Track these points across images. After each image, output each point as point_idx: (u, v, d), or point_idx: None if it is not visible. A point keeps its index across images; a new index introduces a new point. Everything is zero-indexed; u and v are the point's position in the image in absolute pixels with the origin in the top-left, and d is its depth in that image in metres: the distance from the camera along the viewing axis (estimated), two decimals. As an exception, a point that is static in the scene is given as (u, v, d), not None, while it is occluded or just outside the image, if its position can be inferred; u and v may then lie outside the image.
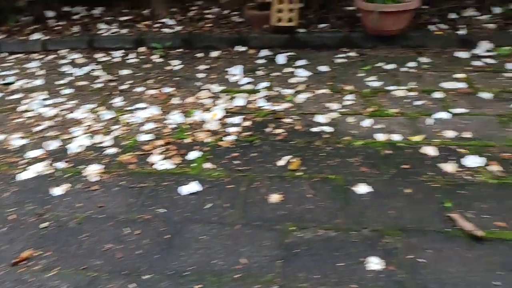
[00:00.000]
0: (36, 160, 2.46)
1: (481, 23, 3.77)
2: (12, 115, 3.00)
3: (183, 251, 1.80)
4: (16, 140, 2.66)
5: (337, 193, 2.07)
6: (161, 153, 2.44)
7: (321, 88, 3.09)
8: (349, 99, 2.92)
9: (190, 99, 3.05)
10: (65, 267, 1.76)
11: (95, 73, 3.58)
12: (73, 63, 3.80)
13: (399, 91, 2.97)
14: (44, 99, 3.19)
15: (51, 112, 2.99)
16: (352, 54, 3.61)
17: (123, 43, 4.02)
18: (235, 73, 3.39)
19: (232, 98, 3.01)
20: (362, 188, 2.08)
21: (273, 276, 1.66)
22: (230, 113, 2.83)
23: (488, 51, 3.45)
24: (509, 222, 1.83)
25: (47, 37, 4.20)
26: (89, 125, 2.79)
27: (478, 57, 3.38)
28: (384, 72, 3.27)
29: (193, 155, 2.42)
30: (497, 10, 3.93)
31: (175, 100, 3.05)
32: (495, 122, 2.54)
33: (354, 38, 3.74)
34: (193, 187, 2.16)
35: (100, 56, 3.91)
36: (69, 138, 2.65)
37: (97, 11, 4.72)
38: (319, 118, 2.70)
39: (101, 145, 2.57)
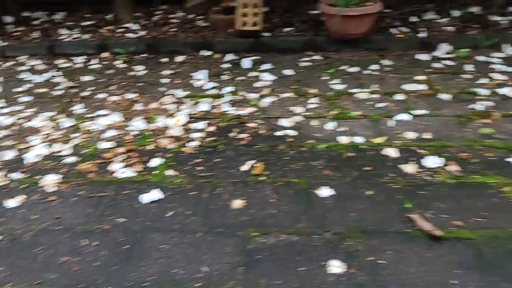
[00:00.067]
0: (-10, 171, 2.37)
1: (441, 26, 3.86)
2: (-34, 125, 2.88)
3: (143, 261, 1.76)
4: (-30, 151, 2.56)
5: (300, 197, 2.07)
6: (122, 161, 2.39)
7: (285, 92, 3.09)
8: (313, 102, 2.93)
9: (153, 105, 3.00)
10: (18, 283, 1.69)
11: (56, 80, 3.48)
12: (32, 70, 3.69)
13: (362, 94, 3.00)
14: (1, 108, 3.07)
15: (7, 121, 2.89)
16: (316, 57, 3.64)
17: (85, 48, 3.93)
18: (200, 78, 3.36)
19: (196, 103, 2.98)
20: (325, 191, 2.09)
21: (234, 284, 1.64)
22: (194, 118, 2.80)
23: (447, 53, 3.53)
24: (466, 221, 1.87)
25: (5, 43, 4.06)
26: (47, 134, 2.70)
27: (438, 59, 3.46)
28: (347, 75, 3.31)
29: (155, 162, 2.37)
30: (456, 13, 4.04)
31: (138, 106, 2.99)
32: (453, 123, 2.60)
33: (318, 41, 3.77)
34: (155, 195, 2.12)
35: (61, 62, 3.80)
36: (26, 148, 2.56)
37: (58, 16, 4.59)
38: (283, 122, 2.70)
39: (59, 154, 2.49)
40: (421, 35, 3.71)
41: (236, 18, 3.77)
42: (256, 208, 2.01)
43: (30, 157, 2.45)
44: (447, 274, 1.63)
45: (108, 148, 2.51)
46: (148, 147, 2.51)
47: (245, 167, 2.29)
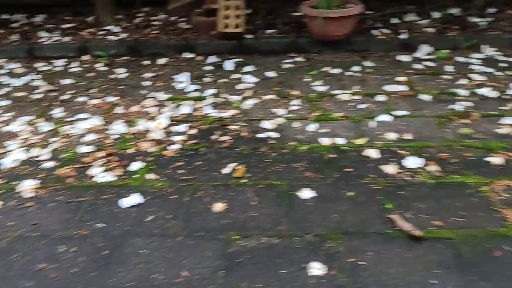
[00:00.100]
0: (-35, 177, 2.31)
1: (422, 28, 3.90)
2: None
3: (122, 267, 1.73)
4: None
5: (281, 199, 2.06)
6: (102, 165, 2.36)
7: (268, 94, 3.09)
8: (295, 104, 2.93)
9: (134, 108, 2.97)
10: (-7, 291, 1.65)
11: (35, 83, 3.42)
12: (11, 73, 3.62)
13: (344, 95, 3.01)
14: (-22, 112, 3.02)
15: (-16, 125, 2.83)
16: (299, 59, 3.64)
17: (66, 51, 3.88)
18: (182, 80, 3.34)
19: (178, 106, 2.96)
20: (306, 193, 2.08)
21: (215, 288, 1.63)
22: (175, 121, 2.78)
23: (428, 54, 3.57)
24: (445, 221, 1.88)
25: (-17, 47, 3.99)
26: (25, 138, 2.65)
27: (419, 60, 3.49)
28: (330, 76, 3.32)
29: (135, 166, 2.34)
30: (436, 14, 4.08)
31: (119, 110, 2.96)
32: (433, 123, 2.62)
33: (301, 43, 3.77)
34: (135, 199, 2.09)
35: (40, 65, 3.74)
36: (3, 153, 2.51)
37: (38, 18, 4.53)
38: (266, 124, 2.69)
39: (37, 159, 2.45)
40: (402, 36, 3.75)
41: (218, 20, 3.75)
42: (237, 211, 2.00)
43: (7, 162, 2.41)
44: (426, 274, 1.64)
45: (88, 152, 2.48)
46: (129, 151, 2.48)
47: (226, 170, 2.28)
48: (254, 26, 4.01)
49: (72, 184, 2.23)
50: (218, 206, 2.03)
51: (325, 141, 2.49)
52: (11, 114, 2.97)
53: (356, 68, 3.41)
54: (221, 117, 2.81)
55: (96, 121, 2.79)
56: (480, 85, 3.04)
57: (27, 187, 2.20)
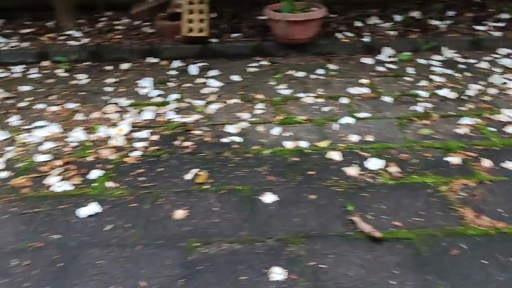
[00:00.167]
0: None
1: (384, 31, 3.97)
2: None
3: (78, 279, 1.67)
4: None
5: (244, 204, 2.04)
6: (59, 174, 2.28)
7: (232, 98, 3.07)
8: (259, 108, 2.92)
9: (95, 115, 2.90)
10: None
11: (-9, 91, 3.30)
12: (-34, 80, 3.49)
13: (308, 98, 3.02)
14: None
15: None
16: (264, 62, 3.64)
17: (24, 57, 3.76)
18: (145, 85, 3.29)
19: (140, 112, 2.90)
20: (268, 197, 2.07)
21: (174, 297, 1.59)
22: (137, 127, 2.72)
23: (390, 56, 3.63)
24: (405, 221, 1.90)
25: None
26: (-21, 148, 2.55)
27: (381, 63, 3.55)
28: (294, 79, 3.33)
29: (95, 174, 2.28)
30: (398, 18, 4.17)
31: (79, 116, 2.88)
32: (395, 125, 2.66)
33: (266, 46, 3.78)
34: (93, 208, 2.03)
35: (-3, 71, 3.62)
36: (-46, 164, 2.40)
37: (-5, 23, 4.39)
38: (229, 129, 2.67)
39: (-9, 169, 2.35)
40: (365, 39, 3.80)
41: (182, 24, 3.72)
42: (199, 218, 1.97)
43: (-42, 174, 2.30)
44: (386, 275, 1.65)
45: (45, 161, 2.40)
46: (88, 159, 2.42)
47: (188, 176, 2.25)
48: (219, 30, 4.00)
49: (28, 194, 2.15)
50: (179, 213, 1.99)
51: (289, 145, 2.48)
52: (-36, 123, 2.85)
53: (320, 71, 3.44)
54: (184, 122, 2.77)
55: (54, 129, 2.71)
56: (440, 87, 3.11)
57: (-21, 199, 2.10)
